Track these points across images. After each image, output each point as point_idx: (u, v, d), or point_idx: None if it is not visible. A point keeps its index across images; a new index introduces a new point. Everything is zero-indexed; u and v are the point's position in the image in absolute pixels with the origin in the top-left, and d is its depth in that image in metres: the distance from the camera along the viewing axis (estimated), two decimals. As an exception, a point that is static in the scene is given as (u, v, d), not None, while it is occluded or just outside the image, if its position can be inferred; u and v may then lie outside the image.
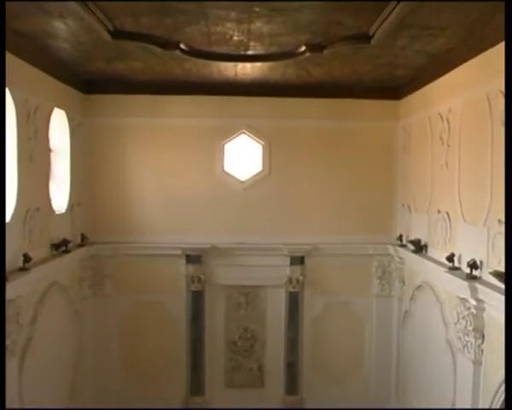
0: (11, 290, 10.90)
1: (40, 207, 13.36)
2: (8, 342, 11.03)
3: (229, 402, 17.69)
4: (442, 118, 13.57)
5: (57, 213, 14.75)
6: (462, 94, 12.36)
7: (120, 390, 17.40)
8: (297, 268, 17.43)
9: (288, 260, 17.44)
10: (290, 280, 17.44)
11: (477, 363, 11.10)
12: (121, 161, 17.10)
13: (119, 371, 17.44)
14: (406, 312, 16.26)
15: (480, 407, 10.96)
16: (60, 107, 14.92)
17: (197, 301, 17.42)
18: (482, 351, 11.01)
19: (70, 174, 15.67)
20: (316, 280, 17.55)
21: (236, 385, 17.90)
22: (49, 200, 14.25)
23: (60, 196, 15.20)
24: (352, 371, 17.86)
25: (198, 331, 17.47)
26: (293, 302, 17.58)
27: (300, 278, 17.40)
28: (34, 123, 12.96)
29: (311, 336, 17.71)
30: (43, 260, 13.24)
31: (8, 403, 10.98)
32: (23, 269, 11.79)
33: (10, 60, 11.06)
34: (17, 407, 11.78)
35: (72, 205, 15.72)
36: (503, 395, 9.76)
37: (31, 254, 12.03)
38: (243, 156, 17.64)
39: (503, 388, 9.81)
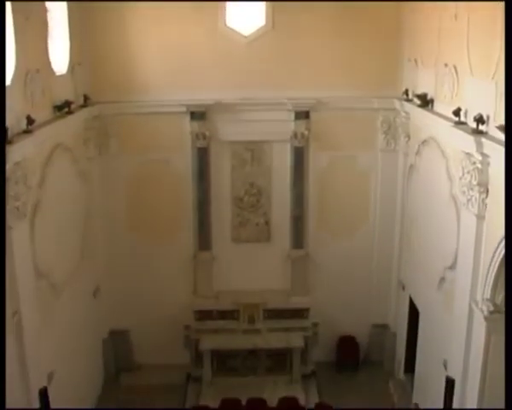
0: (17, 153, 10.96)
1: (40, 68, 13.10)
2: (17, 204, 11.21)
3: (235, 256, 18.22)
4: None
5: (58, 74, 14.50)
6: None
7: (129, 250, 17.90)
8: (302, 123, 17.27)
9: (292, 115, 17.27)
10: (295, 135, 17.34)
11: (480, 217, 11.23)
12: (122, 18, 16.55)
13: (127, 230, 17.83)
14: (411, 166, 16.31)
15: (482, 260, 11.19)
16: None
17: (202, 157, 17.43)
18: (486, 205, 11.10)
19: (69, 33, 15.24)
20: (321, 135, 17.47)
21: (243, 240, 18.26)
22: (49, 60, 13.96)
23: (59, 56, 14.86)
24: (357, 225, 18.19)
25: (204, 188, 17.62)
26: (299, 157, 17.58)
27: (305, 132, 17.29)
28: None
29: (316, 190, 17.89)
30: (47, 122, 13.18)
31: (23, 268, 11.33)
32: (27, 131, 11.73)
33: None
34: (31, 269, 12.12)
35: (72, 65, 15.42)
36: (504, 251, 9.98)
37: (33, 116, 11.94)
38: (246, 11, 17.02)
39: (503, 243, 9.98)
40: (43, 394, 12.34)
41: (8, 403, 11.00)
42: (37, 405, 12.21)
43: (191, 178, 17.61)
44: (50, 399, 12.53)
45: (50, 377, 13.02)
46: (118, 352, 18.58)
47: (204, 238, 17.99)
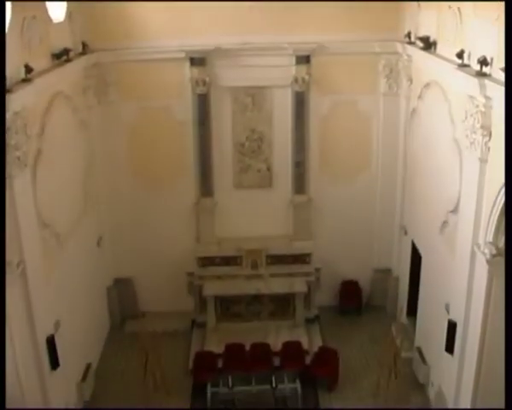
0: (16, 102, 10.87)
1: (36, 14, 12.88)
2: (18, 153, 11.18)
3: (237, 203, 18.24)
4: None
5: (55, 21, 14.25)
6: None
7: (132, 198, 17.92)
8: (303, 67, 17.06)
9: (293, 60, 17.05)
10: (296, 80, 17.14)
11: (483, 160, 11.20)
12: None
13: (129, 178, 17.82)
14: (413, 110, 16.20)
15: (484, 203, 11.19)
16: None
17: (203, 104, 17.27)
18: (489, 149, 11.06)
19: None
20: (322, 79, 17.28)
21: (245, 186, 18.25)
22: (45, 7, 13.71)
23: (56, 2, 14.58)
24: (359, 170, 18.15)
25: (205, 135, 17.52)
26: (300, 102, 17.42)
27: (306, 77, 17.10)
28: None
29: (318, 135, 17.79)
30: (46, 71, 13.03)
31: (25, 217, 11.33)
32: (26, 80, 11.60)
33: None
34: (34, 219, 12.14)
35: (70, 12, 15.14)
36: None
37: (32, 64, 11.78)
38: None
39: (506, 187, 9.99)
40: (50, 341, 12.57)
41: (17, 353, 11.22)
42: (44, 353, 12.42)
43: (192, 125, 17.47)
44: (57, 346, 12.76)
45: (57, 325, 13.17)
46: (122, 300, 18.78)
47: (206, 185, 17.97)
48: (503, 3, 9.72)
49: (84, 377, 15.22)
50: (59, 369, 12.92)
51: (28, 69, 11.62)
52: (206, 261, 18.14)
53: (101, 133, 17.15)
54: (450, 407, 13.26)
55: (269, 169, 18.17)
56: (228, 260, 18.19)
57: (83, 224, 15.90)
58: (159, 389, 15.68)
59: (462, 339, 12.50)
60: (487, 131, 10.99)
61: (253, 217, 18.39)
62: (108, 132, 17.27)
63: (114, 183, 17.68)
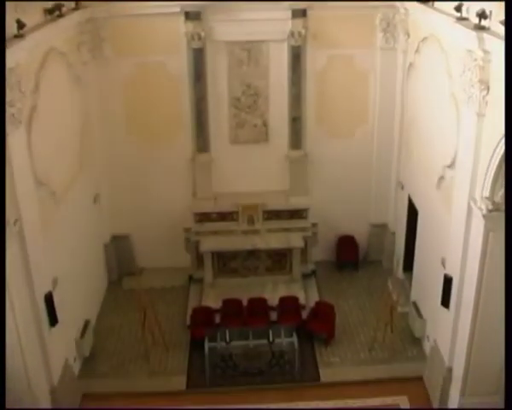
0: (9, 58, 10.66)
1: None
2: (13, 110, 11.05)
3: (234, 158, 18.20)
4: None
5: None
6: None
7: (128, 155, 17.83)
8: (299, 21, 16.79)
9: (289, 14, 16.74)
10: (292, 34, 16.90)
11: (481, 115, 11.13)
12: None
13: (125, 134, 17.69)
14: (411, 65, 16.05)
15: (481, 158, 11.16)
16: None
17: (199, 58, 17.06)
18: (486, 103, 10.98)
19: None
20: (318, 33, 17.03)
21: (241, 141, 18.15)
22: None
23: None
24: (356, 125, 18.05)
25: (201, 90, 17.34)
26: (296, 57, 17.21)
27: (303, 31, 16.85)
28: None
29: (314, 90, 17.63)
30: (38, 26, 12.80)
31: (21, 175, 11.28)
32: (18, 36, 11.39)
33: None
34: (30, 176, 12.09)
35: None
36: (503, 149, 9.94)
37: (24, 20, 11.56)
38: None
39: (503, 141, 9.94)
40: (49, 298, 12.63)
41: (16, 311, 11.29)
42: (43, 310, 12.50)
43: (188, 80, 17.27)
44: (55, 303, 12.84)
45: (55, 282, 13.23)
46: (120, 257, 18.87)
47: (202, 140, 17.86)
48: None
49: (83, 334, 15.32)
50: (58, 326, 13.00)
51: (20, 25, 11.41)
52: (203, 217, 18.13)
53: (97, 90, 16.98)
54: (446, 359, 13.43)
55: (265, 124, 18.05)
56: (224, 216, 18.19)
57: (79, 181, 15.84)
58: (157, 345, 15.88)
59: (457, 294, 12.60)
60: (485, 85, 10.88)
61: (250, 172, 18.36)
62: (104, 89, 17.08)
63: (110, 139, 17.56)
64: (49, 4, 13.57)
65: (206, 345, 14.98)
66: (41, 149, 12.71)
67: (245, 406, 14.22)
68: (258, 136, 18.13)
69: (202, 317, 16.20)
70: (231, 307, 16.52)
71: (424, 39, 14.71)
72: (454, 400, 13.23)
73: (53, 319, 12.82)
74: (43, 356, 12.70)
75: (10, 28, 11.18)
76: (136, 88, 17.24)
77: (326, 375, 15.04)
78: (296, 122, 17.76)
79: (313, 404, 14.28)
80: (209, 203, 18.23)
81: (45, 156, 13.05)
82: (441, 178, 13.73)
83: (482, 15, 10.66)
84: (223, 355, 15.40)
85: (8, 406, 10.98)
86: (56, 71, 14.04)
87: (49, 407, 12.98)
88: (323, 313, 16.18)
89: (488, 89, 10.87)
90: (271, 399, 14.42)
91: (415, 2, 14.90)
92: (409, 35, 16.10)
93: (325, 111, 17.82)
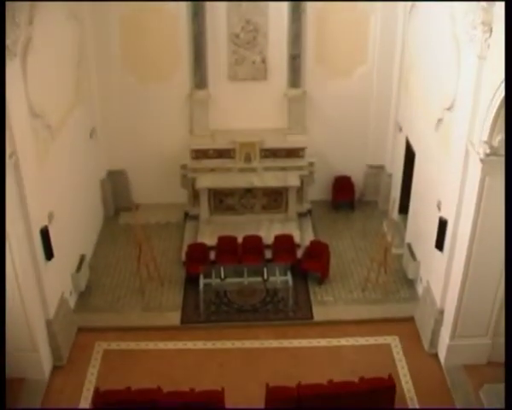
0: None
1: None
2: (7, 42, 10.82)
3: (232, 95, 18.00)
4: None
5: None
6: None
7: (125, 90, 17.63)
8: (300, -44, 16.46)
9: None
10: (293, -31, 16.58)
11: (482, 58, 10.95)
12: None
13: (122, 69, 17.45)
14: (413, 5, 15.75)
15: (481, 101, 11.06)
16: None
17: (197, -7, 16.76)
18: (488, 46, 10.80)
19: None
20: (320, -30, 16.71)
21: (239, 78, 17.93)
22: None
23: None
24: (356, 65, 17.80)
25: (199, 25, 17.01)
26: (297, -7, 16.92)
27: (304, -34, 16.52)
28: None
29: (314, 28, 17.32)
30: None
31: (16, 108, 11.15)
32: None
33: None
34: (26, 109, 11.94)
35: None
36: (503, 93, 9.84)
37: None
38: None
39: (503, 85, 9.83)
40: (45, 233, 12.66)
41: (12, 245, 11.32)
42: (39, 244, 12.54)
43: (186, 15, 16.94)
44: (51, 238, 12.88)
45: (50, 216, 13.24)
46: (116, 192, 18.90)
47: (200, 76, 17.62)
48: None
49: (79, 268, 15.42)
50: (53, 260, 13.08)
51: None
52: (200, 154, 18.00)
53: (93, 24, 16.66)
54: (438, 301, 13.58)
55: (264, 61, 17.80)
56: (221, 153, 18.06)
57: (75, 115, 15.69)
58: (152, 280, 16.02)
59: (452, 237, 12.66)
60: (488, 27, 10.67)
61: (248, 110, 18.19)
62: (100, 23, 16.75)
63: (107, 74, 17.32)
64: None
65: (201, 281, 15.11)
66: (36, 82, 12.50)
67: (238, 341, 14.45)
68: (257, 73, 17.90)
69: (197, 253, 16.27)
70: (226, 245, 16.59)
71: (428, -22, 14.42)
72: (444, 341, 13.44)
73: (49, 253, 12.88)
74: (39, 289, 12.80)
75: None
76: (133, 23, 16.94)
77: (319, 313, 15.19)
78: (295, 60, 17.51)
79: (306, 342, 14.47)
80: (206, 140, 18.12)
81: (40, 89, 12.85)
82: (440, 120, 13.62)
83: (487, -45, 10.42)
84: (217, 292, 15.61)
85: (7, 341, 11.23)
86: (51, 4, 13.70)
87: (44, 338, 13.17)
88: (318, 252, 16.27)
89: (491, 31, 10.68)
90: (264, 336, 14.61)
91: None
92: (412, -25, 15.79)
93: (325, 50, 17.57)
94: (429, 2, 14.21)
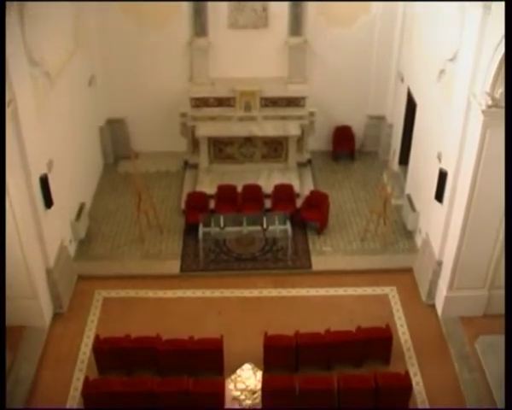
0: None
1: None
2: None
3: (232, 43, 17.74)
4: None
5: None
6: None
7: (124, 37, 17.40)
8: None
9: None
10: None
11: (487, 8, 10.71)
12: None
13: (121, 15, 17.14)
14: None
15: (484, 52, 10.93)
16: None
17: None
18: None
19: None
20: None
21: (240, 26, 17.64)
22: None
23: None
24: (358, 14, 17.48)
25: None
26: None
27: None
28: None
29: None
30: None
31: (14, 55, 11.00)
32: None
33: None
34: (24, 56, 11.78)
35: None
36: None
37: None
38: None
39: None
40: (44, 180, 12.64)
41: (12, 193, 11.31)
42: (38, 191, 12.54)
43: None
44: (51, 186, 12.87)
45: (50, 164, 13.21)
46: (115, 140, 18.83)
47: (200, 23, 17.37)
48: None
49: (78, 216, 15.46)
50: (53, 208, 13.09)
51: None
52: (200, 102, 17.86)
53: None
54: (436, 252, 13.65)
55: (265, 9, 17.47)
56: (221, 102, 17.91)
57: (74, 62, 15.50)
58: (151, 228, 16.07)
59: (451, 188, 12.64)
60: (493, -24, 10.53)
61: (248, 58, 17.98)
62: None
63: (106, 21, 17.07)
64: None
65: (201, 230, 15.17)
66: (34, 29, 12.31)
67: (237, 290, 14.58)
68: (258, 21, 17.60)
69: (197, 202, 16.30)
70: (226, 193, 16.61)
71: None
72: (442, 292, 13.54)
73: (48, 201, 12.88)
74: (39, 238, 12.85)
75: None
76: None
77: (318, 263, 15.29)
78: (297, 8, 17.23)
79: (304, 291, 14.60)
80: (206, 88, 17.95)
81: (38, 36, 12.65)
82: (442, 71, 13.48)
83: None
84: (216, 240, 15.67)
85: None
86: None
87: (45, 285, 13.27)
88: (317, 202, 16.30)
89: (496, -20, 10.51)
90: (263, 284, 14.75)
91: None
92: None
93: (326, -3, 17.29)
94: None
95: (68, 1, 15.00)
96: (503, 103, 10.47)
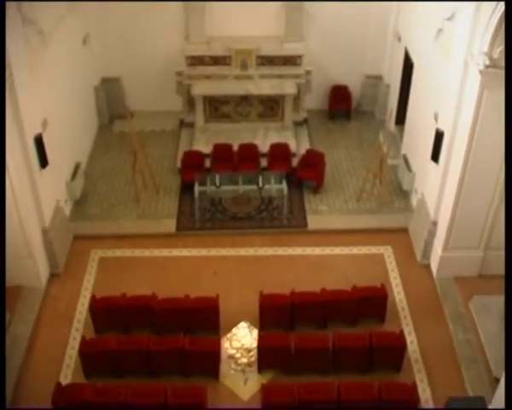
0: None
1: None
2: None
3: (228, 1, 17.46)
4: None
5: None
6: None
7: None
8: None
9: None
10: None
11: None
12: None
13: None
14: None
15: (482, 11, 10.80)
16: None
17: None
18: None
19: None
20: None
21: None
22: None
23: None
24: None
25: None
26: None
27: None
28: None
29: None
30: None
31: (7, 16, 10.87)
32: None
33: None
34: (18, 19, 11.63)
35: None
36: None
37: None
38: None
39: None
40: (39, 140, 12.58)
41: (7, 153, 11.24)
42: (33, 151, 12.48)
43: None
44: (46, 145, 12.81)
45: (44, 124, 13.13)
46: (110, 99, 18.68)
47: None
48: None
49: (74, 176, 15.41)
50: (48, 168, 13.07)
51: None
52: (195, 60, 17.70)
53: None
54: (432, 212, 13.69)
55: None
56: (217, 60, 17.75)
57: (68, 21, 15.25)
58: (147, 188, 16.06)
59: (447, 149, 12.62)
60: None
61: (244, 16, 17.68)
62: None
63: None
64: None
65: (196, 189, 15.17)
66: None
67: (233, 249, 14.66)
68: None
69: (193, 161, 16.27)
70: (222, 152, 16.56)
71: None
72: (437, 252, 13.62)
73: (43, 161, 12.85)
74: (34, 198, 12.84)
75: None
76: None
77: (314, 222, 15.34)
78: (295, -35, 17.03)
79: (300, 250, 14.68)
80: (202, 47, 17.76)
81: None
82: (440, 30, 13.32)
83: None
84: (212, 199, 15.72)
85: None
86: None
87: (40, 245, 13.31)
88: (314, 161, 16.27)
89: None
90: (259, 243, 14.84)
91: None
92: None
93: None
94: None
95: (68, 1, 14.83)
96: (500, 63, 10.42)
